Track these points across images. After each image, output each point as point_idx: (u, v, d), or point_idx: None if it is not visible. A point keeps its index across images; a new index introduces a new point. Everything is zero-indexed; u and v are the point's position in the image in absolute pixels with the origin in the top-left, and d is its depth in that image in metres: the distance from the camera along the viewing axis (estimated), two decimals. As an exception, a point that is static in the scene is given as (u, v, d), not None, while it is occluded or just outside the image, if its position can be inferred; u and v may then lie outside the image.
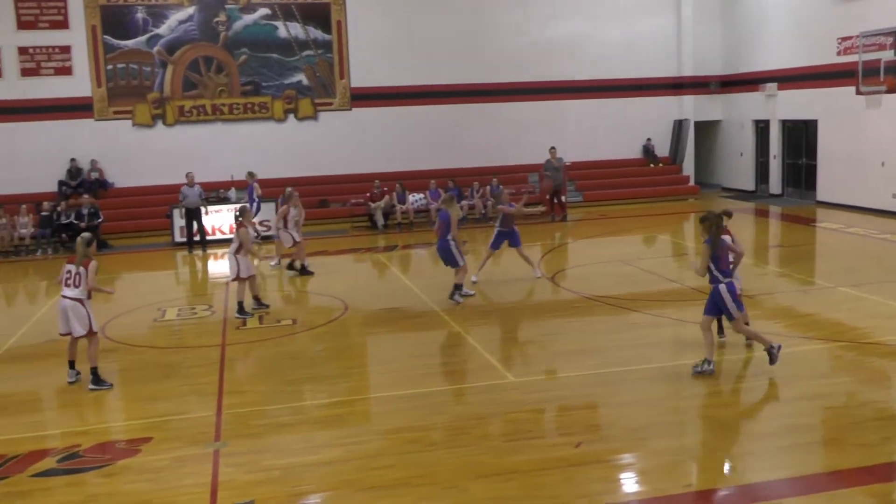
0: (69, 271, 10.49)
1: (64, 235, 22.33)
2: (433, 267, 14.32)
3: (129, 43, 25.40)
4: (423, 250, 20.42)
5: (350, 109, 26.70)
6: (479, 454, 7.95)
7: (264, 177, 23.98)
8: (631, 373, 10.22)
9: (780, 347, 9.92)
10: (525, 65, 27.43)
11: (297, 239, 17.25)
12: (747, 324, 10.56)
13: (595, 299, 14.09)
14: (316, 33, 26.30)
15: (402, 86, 26.64)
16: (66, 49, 25.13)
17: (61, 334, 10.68)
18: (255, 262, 14.89)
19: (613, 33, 28.15)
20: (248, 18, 25.93)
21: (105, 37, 25.21)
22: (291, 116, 26.45)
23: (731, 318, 9.86)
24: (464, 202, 24.28)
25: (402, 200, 24.22)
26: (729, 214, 10.59)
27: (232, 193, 23.66)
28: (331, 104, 26.66)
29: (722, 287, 9.66)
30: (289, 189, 17.77)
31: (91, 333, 10.54)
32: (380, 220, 23.80)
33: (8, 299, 17.87)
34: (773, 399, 9.42)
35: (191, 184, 22.04)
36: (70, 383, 10.66)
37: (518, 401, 9.41)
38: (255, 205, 21.46)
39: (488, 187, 24.36)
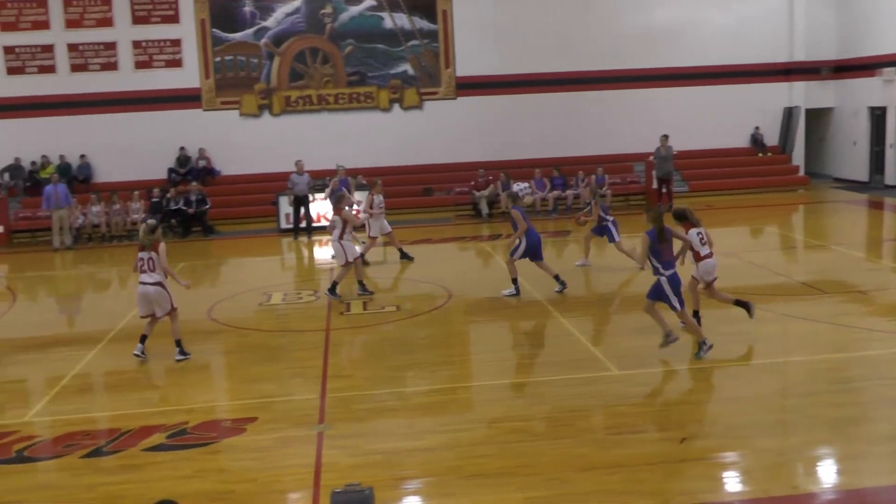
0: (142, 258, 10.89)
1: (173, 221, 22.99)
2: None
3: (237, 36, 25.93)
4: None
5: (455, 98, 26.64)
6: (581, 446, 7.76)
7: (369, 166, 24.26)
8: (735, 368, 9.87)
9: (710, 347, 10.03)
10: (631, 52, 26.82)
11: (386, 229, 17.36)
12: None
13: (700, 292, 13.64)
14: (421, 23, 26.31)
15: (507, 74, 26.35)
16: (176, 42, 25.85)
17: (142, 317, 11.16)
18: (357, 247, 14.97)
19: (720, 18, 27.22)
20: (354, 10, 26.11)
21: (214, 30, 25.79)
22: (397, 106, 26.54)
23: (673, 308, 10.07)
24: (569, 191, 24.02)
25: (507, 188, 24.00)
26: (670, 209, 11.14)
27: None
28: (436, 93, 26.65)
29: (663, 279, 9.96)
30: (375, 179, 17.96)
31: (172, 310, 10.99)
32: (484, 209, 23.67)
33: (121, 282, 18.40)
34: (885, 400, 8.87)
35: (300, 172, 22.40)
36: (136, 356, 11.06)
37: (621, 394, 9.16)
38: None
39: (593, 177, 23.96)
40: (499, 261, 17.81)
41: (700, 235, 10.83)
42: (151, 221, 11.43)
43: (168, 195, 23.28)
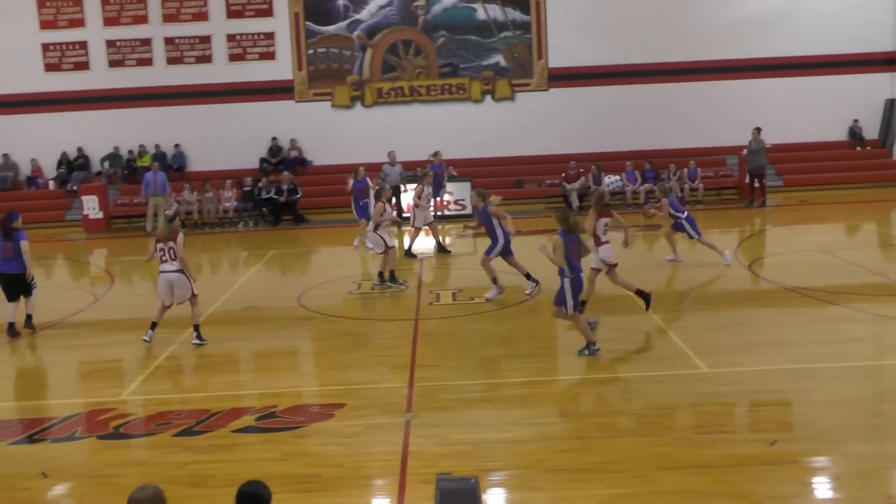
0: (161, 249, 11.29)
1: (264, 209, 23.38)
2: (628, 251, 13.76)
3: (330, 28, 26.16)
4: (617, 233, 19.83)
5: (547, 90, 26.33)
6: (668, 445, 7.53)
7: (460, 157, 24.17)
8: (827, 370, 9.40)
9: (597, 351, 9.98)
10: (725, 42, 26.02)
11: (429, 220, 17.40)
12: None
13: (792, 290, 13.16)
14: (514, 14, 26.09)
15: (599, 65, 25.88)
16: (270, 35, 26.24)
17: (166, 306, 11.53)
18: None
19: (818, 5, 26.07)
20: (447, 1, 26.05)
21: (307, 23, 26.08)
22: (488, 97, 26.39)
23: (565, 311, 10.00)
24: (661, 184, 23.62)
25: (598, 182, 23.66)
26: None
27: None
28: (528, 84, 26.39)
29: (567, 281, 9.94)
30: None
31: (193, 296, 11.43)
32: (574, 202, 23.34)
33: (212, 267, 18.77)
34: None
35: (392, 163, 22.59)
36: (145, 341, 11.38)
37: (709, 392, 8.84)
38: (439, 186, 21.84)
39: (685, 170, 23.41)
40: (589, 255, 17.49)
41: (606, 225, 11.68)
42: (169, 213, 12.12)
43: (260, 184, 23.64)
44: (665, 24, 25.87)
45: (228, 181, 23.96)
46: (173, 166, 26.11)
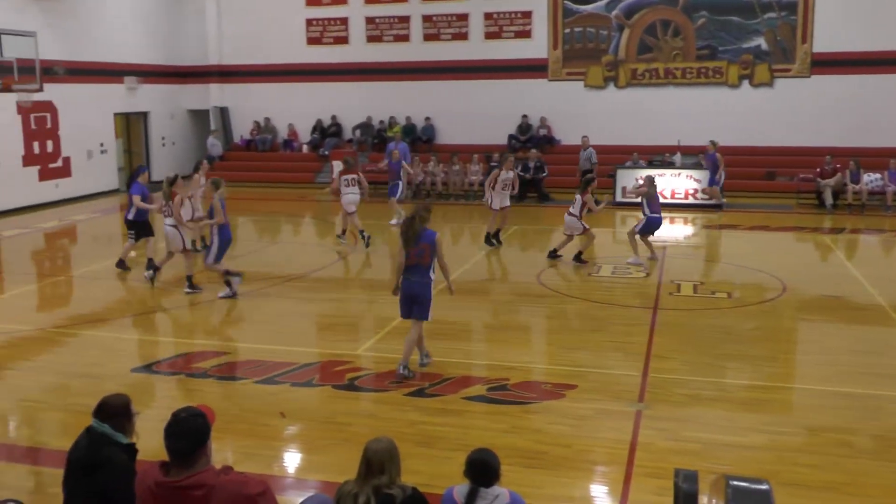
0: (163, 206, 13.39)
1: (511, 185, 23.79)
2: (883, 257, 12.89)
3: (588, 7, 26.06)
4: (873, 237, 18.63)
5: (809, 76, 24.79)
6: (915, 474, 7.00)
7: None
8: None
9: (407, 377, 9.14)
10: None
11: (505, 204, 17.05)
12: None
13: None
14: (780, -6, 24.83)
15: (869, 51, 23.96)
16: (527, 14, 26.56)
17: (169, 252, 13.79)
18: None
19: None
20: (710, -20, 25.22)
21: (566, 2, 26.12)
22: (746, 82, 25.27)
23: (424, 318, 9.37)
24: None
25: (856, 179, 22.04)
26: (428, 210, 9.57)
27: (677, 158, 23.44)
28: (789, 70, 25.01)
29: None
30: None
31: (185, 251, 13.36)
32: (828, 199, 21.96)
33: (454, 238, 19.37)
34: None
35: (585, 147, 23.06)
36: (146, 277, 13.65)
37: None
38: (719, 174, 21.34)
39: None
40: (839, 256, 16.55)
41: None
42: (170, 175, 13.64)
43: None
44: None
45: (476, 155, 24.60)
46: (422, 138, 27.21)
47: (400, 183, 20.11)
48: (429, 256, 9.09)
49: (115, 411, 4.91)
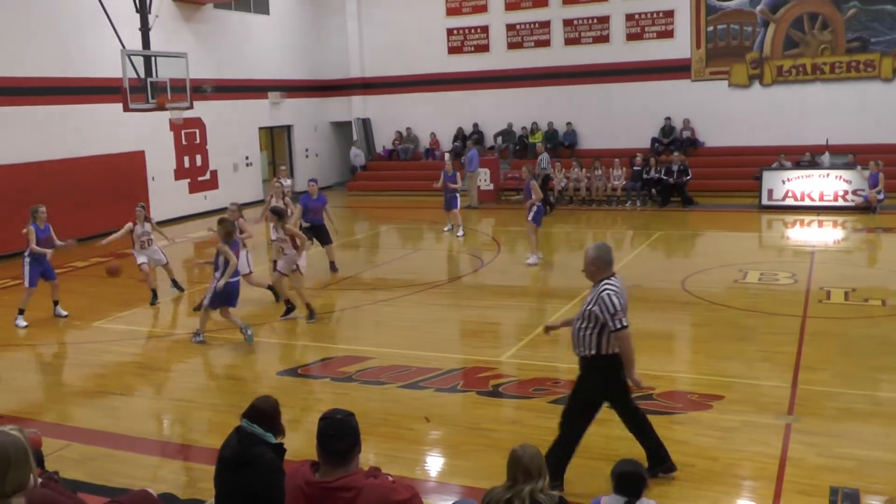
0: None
1: (653, 190, 23.41)
2: None
3: (732, 4, 25.39)
4: None
5: (973, 68, 23.40)
6: None
7: (860, 142, 22.48)
8: None
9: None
10: None
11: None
12: None
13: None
14: (940, -20, 23.44)
15: None
16: (669, 14, 26.10)
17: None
18: None
19: None
20: (863, -30, 24.08)
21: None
22: (900, 75, 24.06)
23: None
24: None
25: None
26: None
27: (825, 158, 22.52)
28: (950, 62, 23.65)
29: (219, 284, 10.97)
30: None
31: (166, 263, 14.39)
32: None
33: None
34: None
35: None
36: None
37: None
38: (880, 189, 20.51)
39: None
40: None
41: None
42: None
43: (649, 164, 23.72)
44: None
45: (618, 160, 24.33)
46: (564, 143, 27.10)
47: (457, 194, 19.74)
48: None
49: (265, 413, 5.19)
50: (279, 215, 12.76)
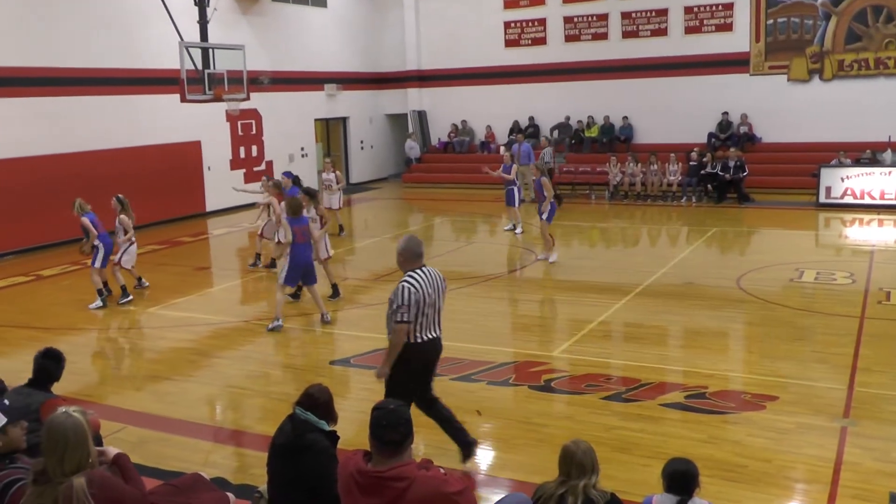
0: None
1: (709, 186, 23.15)
2: None
3: (794, -4, 24.95)
4: None
5: None
6: None
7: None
8: None
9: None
10: None
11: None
12: None
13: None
14: None
15: None
16: (728, 6, 25.73)
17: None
18: None
19: None
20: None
21: (770, -8, 25.14)
22: (969, 72, 23.42)
23: None
24: None
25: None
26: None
27: (887, 156, 22.06)
28: None
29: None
30: None
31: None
32: None
33: (651, 240, 19.10)
34: None
35: None
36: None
37: None
38: None
39: None
40: None
41: None
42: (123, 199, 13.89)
43: (705, 159, 23.43)
44: None
45: (674, 155, 24.07)
46: (620, 137, 26.91)
47: (514, 188, 19.34)
48: None
49: (319, 401, 5.29)
50: (311, 195, 13.50)
